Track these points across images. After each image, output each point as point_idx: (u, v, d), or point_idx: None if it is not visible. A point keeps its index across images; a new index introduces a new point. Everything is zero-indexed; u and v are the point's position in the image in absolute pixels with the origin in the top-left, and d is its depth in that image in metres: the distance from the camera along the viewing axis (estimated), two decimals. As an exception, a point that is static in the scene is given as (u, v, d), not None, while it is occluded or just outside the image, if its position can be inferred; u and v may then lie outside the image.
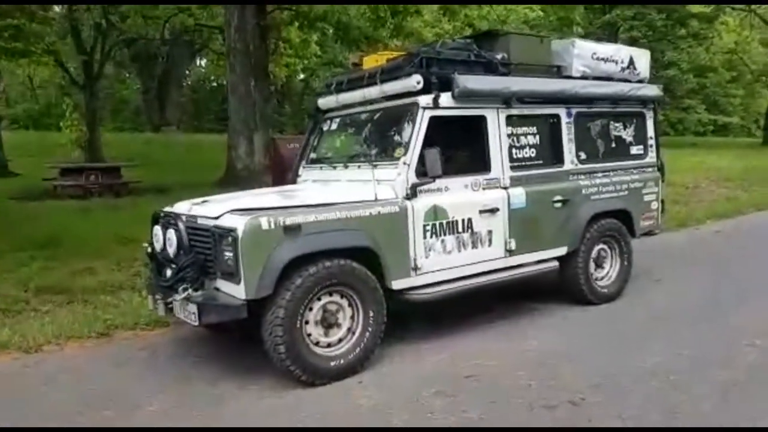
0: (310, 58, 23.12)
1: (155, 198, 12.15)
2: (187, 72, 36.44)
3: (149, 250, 4.71)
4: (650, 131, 6.43)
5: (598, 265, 5.94)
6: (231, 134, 13.84)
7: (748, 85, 42.12)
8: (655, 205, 6.44)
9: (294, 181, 5.74)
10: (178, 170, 15.85)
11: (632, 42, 23.06)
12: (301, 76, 31.77)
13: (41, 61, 17.09)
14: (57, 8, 17.70)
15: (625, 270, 6.09)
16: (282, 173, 8.78)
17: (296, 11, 16.50)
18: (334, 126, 5.76)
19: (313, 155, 5.78)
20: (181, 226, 4.27)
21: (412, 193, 4.59)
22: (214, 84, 41.35)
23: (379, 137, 5.24)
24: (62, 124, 16.27)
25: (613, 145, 6.13)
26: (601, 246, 5.92)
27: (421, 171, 4.59)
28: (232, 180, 12.53)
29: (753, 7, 31.81)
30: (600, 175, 5.91)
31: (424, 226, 4.64)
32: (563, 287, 5.84)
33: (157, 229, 4.58)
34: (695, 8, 29.48)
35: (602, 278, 5.97)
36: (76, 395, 4.12)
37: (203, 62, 36.87)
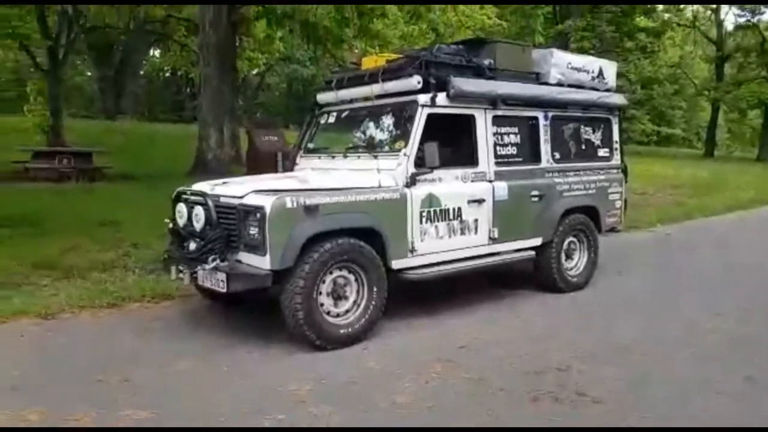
0: (274, 54, 23.32)
1: (130, 184, 12.35)
2: (143, 62, 35.99)
3: (170, 225, 5.06)
4: (615, 136, 7.07)
5: (568, 256, 6.53)
6: (202, 125, 14.15)
7: (691, 99, 44.33)
8: (618, 204, 7.07)
9: (291, 169, 6.15)
10: (143, 158, 15.92)
11: (582, 52, 24.06)
12: (255, 71, 32.05)
13: (4, 44, 16.83)
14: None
15: (592, 261, 6.71)
16: (256, 163, 9.16)
17: (266, 8, 16.78)
18: (331, 119, 6.18)
19: (310, 145, 6.21)
20: (210, 203, 4.64)
21: (411, 181, 5.07)
22: (168, 74, 41.04)
23: (378, 130, 5.69)
24: (26, 108, 16.13)
25: (583, 147, 6.75)
26: (571, 239, 6.52)
27: (418, 162, 5.07)
28: (202, 169, 12.79)
29: (697, 24, 33.51)
30: (572, 173, 6.50)
31: (421, 212, 5.12)
32: (537, 275, 6.40)
33: (181, 206, 4.95)
34: (643, 22, 30.98)
35: (572, 268, 6.56)
36: (103, 357, 4.43)
37: (157, 53, 36.61)
